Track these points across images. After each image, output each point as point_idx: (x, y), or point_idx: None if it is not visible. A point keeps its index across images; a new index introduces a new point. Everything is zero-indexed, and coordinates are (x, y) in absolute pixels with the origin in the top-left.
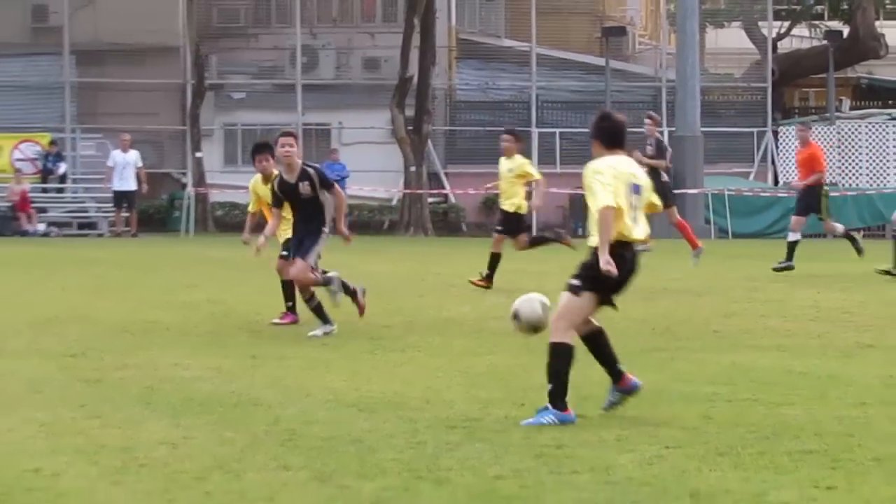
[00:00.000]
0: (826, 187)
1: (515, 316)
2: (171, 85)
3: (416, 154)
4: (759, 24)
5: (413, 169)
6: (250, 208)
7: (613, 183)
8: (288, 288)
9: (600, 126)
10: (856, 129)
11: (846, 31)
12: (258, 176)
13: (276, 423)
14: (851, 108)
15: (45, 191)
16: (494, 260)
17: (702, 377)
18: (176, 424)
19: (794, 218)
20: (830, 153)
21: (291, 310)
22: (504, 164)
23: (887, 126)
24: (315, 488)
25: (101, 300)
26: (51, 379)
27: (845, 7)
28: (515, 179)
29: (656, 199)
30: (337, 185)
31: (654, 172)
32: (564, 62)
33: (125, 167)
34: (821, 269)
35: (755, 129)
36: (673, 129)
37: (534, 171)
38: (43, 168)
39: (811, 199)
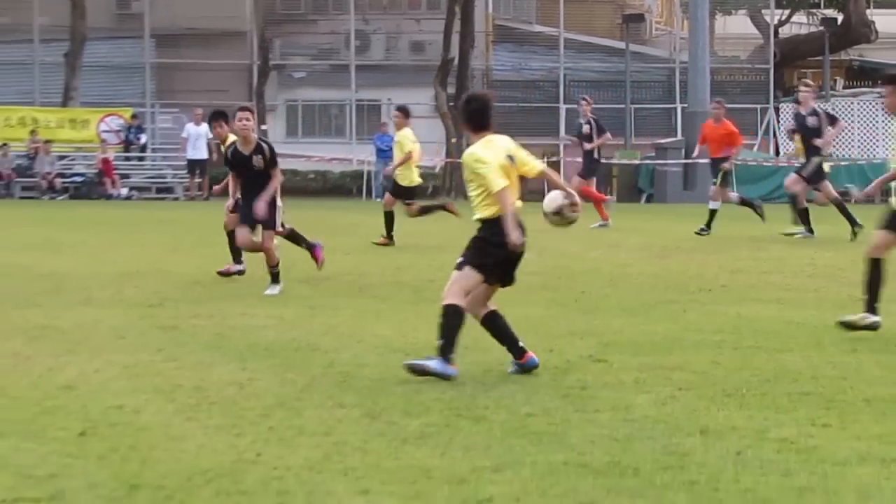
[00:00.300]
0: (730, 160)
1: (545, 213)
2: (240, 65)
3: (457, 127)
4: (763, 11)
5: (454, 140)
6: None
7: (497, 166)
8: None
9: (467, 110)
10: (848, 106)
11: (840, 18)
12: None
13: (331, 366)
14: (844, 88)
15: (127, 159)
16: (389, 219)
17: (711, 327)
18: (243, 367)
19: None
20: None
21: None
22: (396, 137)
23: (876, 103)
24: (366, 424)
25: (176, 256)
26: (132, 326)
27: None
28: (398, 152)
29: (533, 165)
30: (279, 168)
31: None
32: (589, 45)
33: (198, 138)
34: (817, 230)
35: (758, 106)
36: (685, 105)
37: (409, 144)
38: (126, 139)
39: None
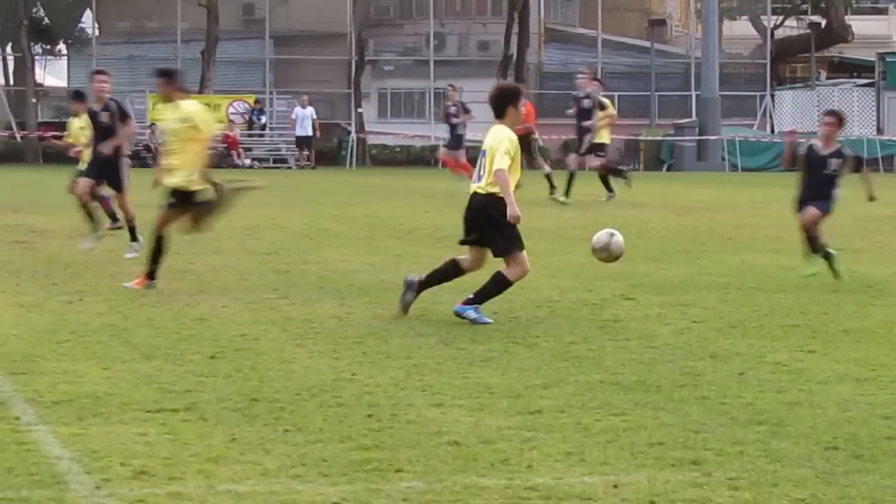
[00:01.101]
0: (534, 135)
1: (593, 250)
2: (340, 60)
3: None
4: (762, 17)
5: None
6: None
7: (511, 152)
8: (97, 207)
9: (490, 98)
10: (829, 93)
11: (824, 22)
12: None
13: (413, 303)
14: (827, 78)
15: (250, 136)
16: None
17: (719, 271)
18: (341, 303)
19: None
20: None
21: (113, 218)
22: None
23: (852, 91)
24: (441, 350)
25: (289, 214)
26: (253, 270)
27: (823, 5)
28: None
29: (490, 166)
30: (132, 120)
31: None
32: (621, 44)
33: (304, 119)
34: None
35: (758, 93)
36: (699, 92)
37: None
38: (249, 119)
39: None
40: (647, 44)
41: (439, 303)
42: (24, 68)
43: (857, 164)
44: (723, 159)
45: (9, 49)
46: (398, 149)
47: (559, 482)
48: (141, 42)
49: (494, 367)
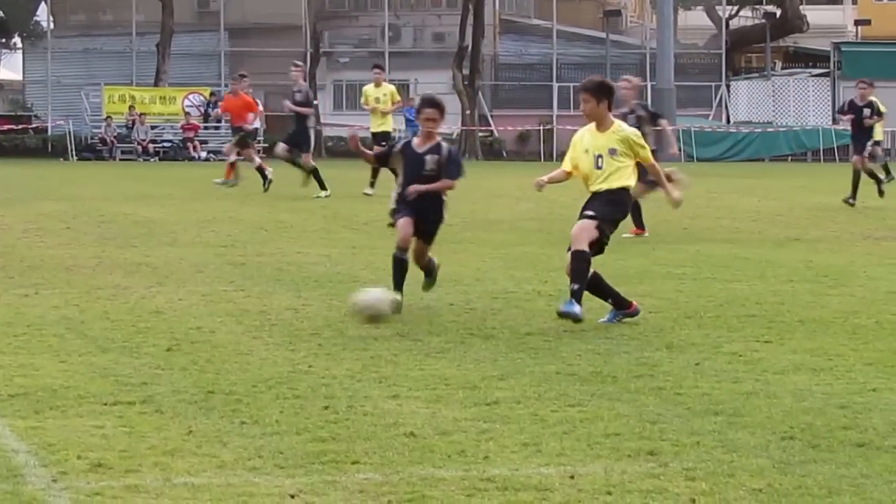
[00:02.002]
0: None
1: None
2: (296, 52)
3: (470, 101)
4: (717, 7)
5: (468, 112)
6: None
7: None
8: None
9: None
10: (785, 84)
11: (779, 12)
12: None
13: None
14: (782, 69)
15: (205, 128)
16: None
17: (675, 261)
18: (298, 295)
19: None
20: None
21: None
22: (373, 92)
23: (808, 81)
24: (397, 341)
25: (245, 207)
26: (209, 262)
27: None
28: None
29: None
30: None
31: None
32: (577, 35)
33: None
34: (762, 184)
35: (713, 84)
36: (654, 83)
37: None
38: (205, 112)
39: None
40: (603, 34)
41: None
42: None
43: None
44: (679, 150)
45: None
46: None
47: (515, 473)
48: (96, 35)
49: (450, 359)
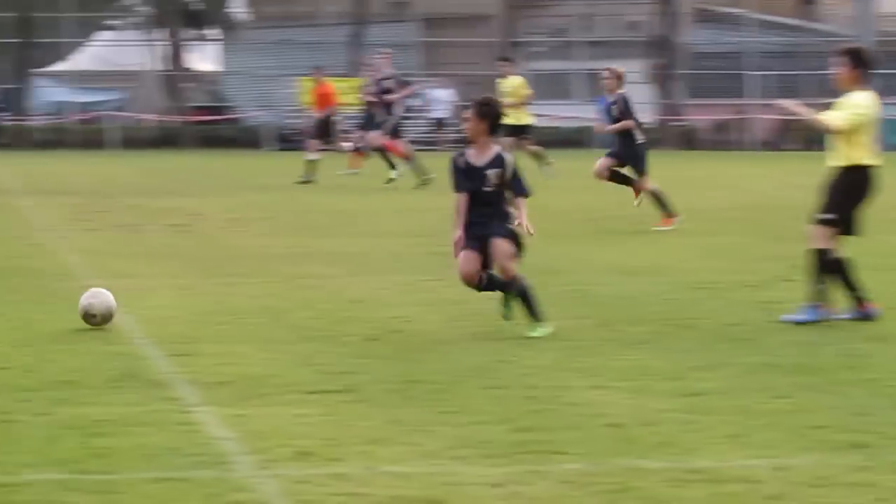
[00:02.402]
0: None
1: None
2: (489, 42)
3: (665, 91)
4: None
5: (664, 101)
6: None
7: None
8: None
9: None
10: None
11: None
12: None
13: (570, 286)
14: None
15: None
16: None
17: (883, 252)
18: None
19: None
20: None
21: None
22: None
23: None
24: (600, 332)
25: (440, 196)
26: (405, 252)
27: None
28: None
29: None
30: None
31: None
32: (771, 23)
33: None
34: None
35: None
36: None
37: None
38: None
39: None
40: (798, 22)
41: (598, 284)
42: (176, 53)
43: None
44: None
45: (162, 34)
46: (547, 130)
47: (722, 465)
48: (290, 26)
49: (653, 349)
